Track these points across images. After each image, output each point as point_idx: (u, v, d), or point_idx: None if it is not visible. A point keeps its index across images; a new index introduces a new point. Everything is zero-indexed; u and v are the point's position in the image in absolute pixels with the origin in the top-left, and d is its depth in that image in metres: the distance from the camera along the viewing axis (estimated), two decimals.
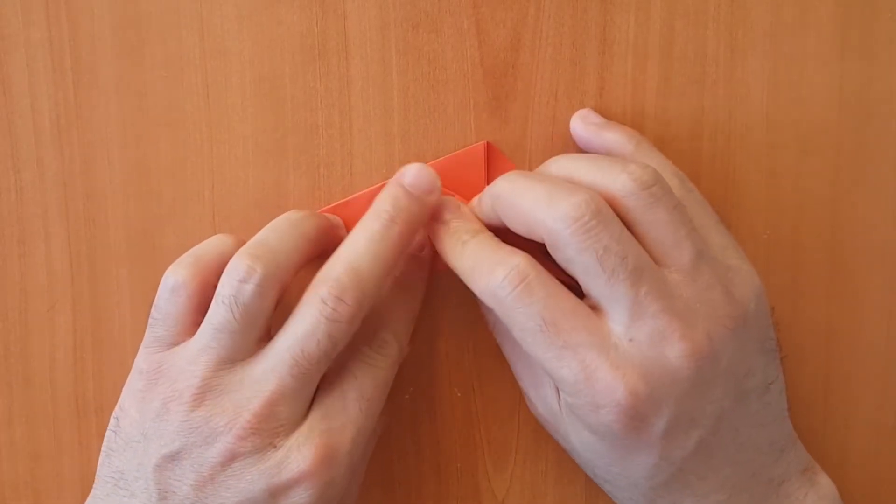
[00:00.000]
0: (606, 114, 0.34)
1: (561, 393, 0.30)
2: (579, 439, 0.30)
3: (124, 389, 0.31)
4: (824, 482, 0.32)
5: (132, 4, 0.34)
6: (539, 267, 0.29)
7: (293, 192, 0.34)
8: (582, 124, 0.33)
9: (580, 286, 0.29)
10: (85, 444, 0.35)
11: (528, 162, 0.34)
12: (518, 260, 0.28)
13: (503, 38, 0.34)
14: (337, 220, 0.34)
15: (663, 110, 0.34)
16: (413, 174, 0.31)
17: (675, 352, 0.28)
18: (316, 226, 0.32)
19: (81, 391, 0.36)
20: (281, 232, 0.31)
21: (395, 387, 0.35)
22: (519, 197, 0.29)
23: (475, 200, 0.33)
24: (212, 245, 0.32)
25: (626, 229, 0.28)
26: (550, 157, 0.34)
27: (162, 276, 0.31)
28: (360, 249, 0.30)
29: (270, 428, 0.29)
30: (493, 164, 0.34)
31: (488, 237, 0.31)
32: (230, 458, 0.28)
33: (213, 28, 0.34)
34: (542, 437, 0.36)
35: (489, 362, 0.35)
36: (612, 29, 0.34)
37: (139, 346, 0.31)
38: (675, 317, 0.28)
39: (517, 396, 0.35)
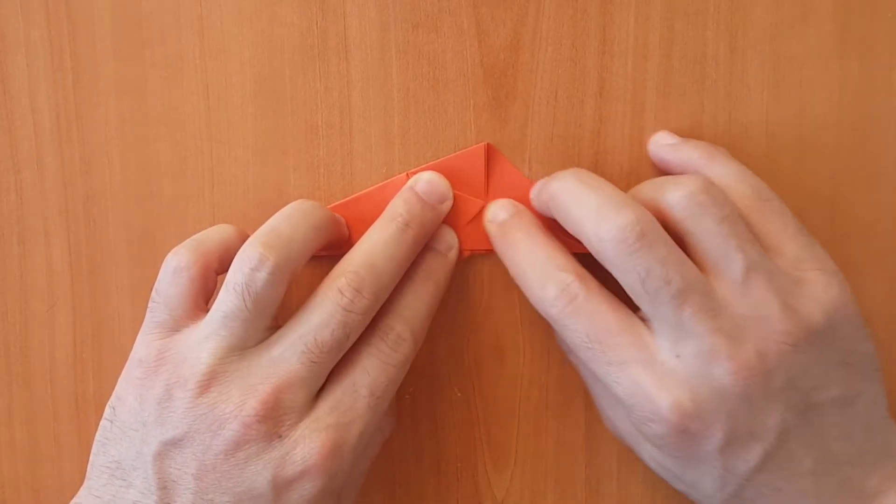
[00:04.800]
0: (606, 114, 0.34)
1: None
2: (649, 454, 0.30)
3: (120, 379, 0.31)
4: None
5: (132, 4, 0.34)
6: (589, 282, 0.29)
7: (293, 192, 0.34)
8: (656, 147, 0.34)
9: None
10: (85, 443, 0.35)
11: (528, 162, 0.34)
12: (568, 278, 0.29)
13: (503, 38, 0.34)
14: (340, 217, 0.34)
15: (663, 110, 0.34)
16: (425, 183, 0.33)
17: (721, 370, 0.28)
18: (325, 217, 0.32)
19: (81, 391, 0.36)
20: (292, 221, 0.31)
21: None
22: (571, 204, 0.30)
23: (534, 189, 0.33)
24: (213, 232, 0.32)
25: (674, 248, 0.28)
26: (550, 156, 0.34)
27: None
28: (377, 249, 0.31)
29: (276, 416, 0.28)
30: (493, 166, 0.34)
31: (540, 238, 0.31)
32: (234, 447, 0.28)
33: (213, 28, 0.34)
34: (542, 437, 0.36)
35: (489, 362, 0.35)
36: (612, 29, 0.34)
37: None
38: (721, 336, 0.28)
39: (517, 396, 0.35)
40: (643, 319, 0.29)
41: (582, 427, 0.35)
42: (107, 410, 0.31)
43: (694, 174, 0.31)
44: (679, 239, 0.29)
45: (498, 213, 0.33)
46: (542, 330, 0.35)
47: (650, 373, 0.28)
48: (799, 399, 0.29)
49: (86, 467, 0.31)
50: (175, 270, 0.30)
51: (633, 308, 0.29)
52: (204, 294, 0.31)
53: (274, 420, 0.28)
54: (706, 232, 0.29)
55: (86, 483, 0.30)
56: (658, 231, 0.28)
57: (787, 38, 0.34)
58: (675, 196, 0.29)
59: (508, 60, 0.34)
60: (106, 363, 0.35)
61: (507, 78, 0.34)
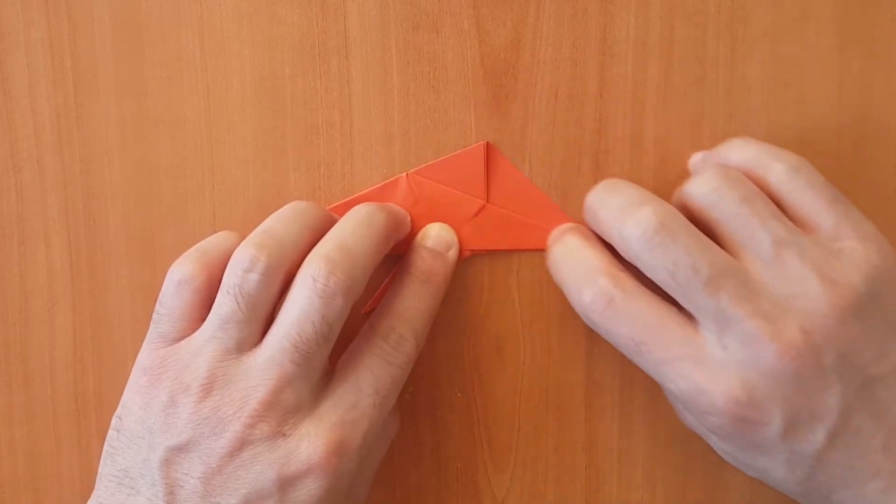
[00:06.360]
0: (606, 114, 0.34)
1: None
2: (717, 445, 0.30)
3: (126, 388, 0.31)
4: None
5: (132, 4, 0.34)
6: (626, 283, 0.29)
7: (293, 192, 0.34)
8: (692, 167, 0.34)
9: None
10: (84, 443, 0.35)
11: (528, 162, 0.34)
12: (602, 281, 0.29)
13: (503, 38, 0.34)
14: (337, 217, 0.34)
15: (663, 110, 0.34)
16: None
17: (767, 354, 0.27)
18: (320, 216, 0.32)
19: (81, 390, 0.36)
20: (286, 221, 0.31)
21: None
22: (600, 211, 0.30)
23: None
24: (217, 240, 0.32)
25: (699, 236, 0.28)
26: (550, 156, 0.34)
27: (162, 275, 0.31)
28: (347, 231, 0.30)
29: (278, 415, 0.28)
30: (492, 165, 0.34)
31: (578, 244, 0.31)
32: (239, 447, 0.28)
33: (213, 28, 0.34)
34: (542, 437, 0.36)
35: (489, 363, 0.35)
36: (612, 29, 0.34)
37: (139, 345, 0.31)
38: (762, 319, 0.27)
39: (517, 396, 0.35)
40: (690, 317, 0.29)
41: (582, 427, 0.36)
42: (113, 420, 0.31)
43: (713, 165, 0.31)
44: (708, 231, 0.29)
45: (553, 233, 0.33)
46: (543, 330, 0.35)
47: (699, 367, 0.28)
48: (857, 374, 0.28)
49: (85, 467, 0.31)
50: (179, 283, 0.30)
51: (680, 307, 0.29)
52: (208, 304, 0.30)
53: (276, 419, 0.28)
54: (728, 216, 0.29)
55: (94, 493, 0.30)
56: (679, 221, 0.28)
57: (787, 38, 0.34)
58: (693, 187, 0.29)
59: (509, 60, 0.34)
60: (106, 363, 0.35)
61: (507, 78, 0.34)
